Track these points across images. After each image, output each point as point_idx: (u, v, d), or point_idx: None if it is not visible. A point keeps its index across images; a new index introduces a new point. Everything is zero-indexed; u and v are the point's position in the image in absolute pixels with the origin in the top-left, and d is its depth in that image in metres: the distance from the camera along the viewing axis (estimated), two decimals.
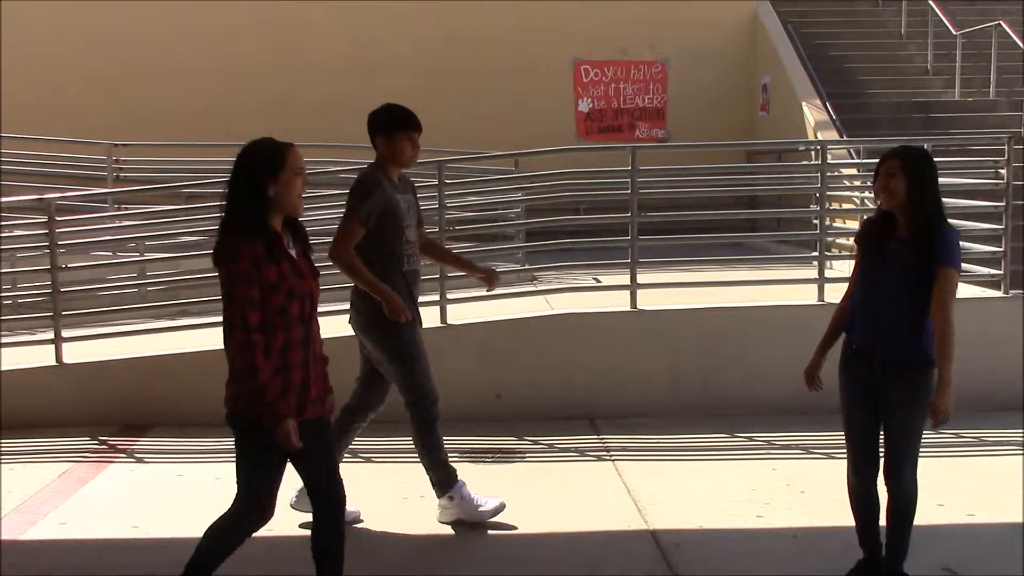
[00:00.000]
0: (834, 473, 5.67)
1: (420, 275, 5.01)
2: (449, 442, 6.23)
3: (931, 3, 13.81)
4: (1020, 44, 12.36)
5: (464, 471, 5.75)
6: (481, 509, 4.92)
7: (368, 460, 6.12)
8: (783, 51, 13.64)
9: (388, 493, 5.46)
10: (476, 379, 6.80)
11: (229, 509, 3.66)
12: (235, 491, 3.61)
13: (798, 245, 9.53)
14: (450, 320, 6.97)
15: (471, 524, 4.89)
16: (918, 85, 13.83)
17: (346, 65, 13.51)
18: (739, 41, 14.38)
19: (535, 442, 6.30)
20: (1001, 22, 12.88)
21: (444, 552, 4.72)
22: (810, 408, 6.78)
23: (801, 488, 5.42)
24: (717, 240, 8.19)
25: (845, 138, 11.64)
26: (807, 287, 7.22)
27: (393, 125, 4.83)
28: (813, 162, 8.12)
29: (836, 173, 9.45)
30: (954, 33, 13.26)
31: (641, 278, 7.04)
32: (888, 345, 3.89)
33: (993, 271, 7.26)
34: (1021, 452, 6.03)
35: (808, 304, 7.05)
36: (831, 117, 12.27)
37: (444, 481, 4.94)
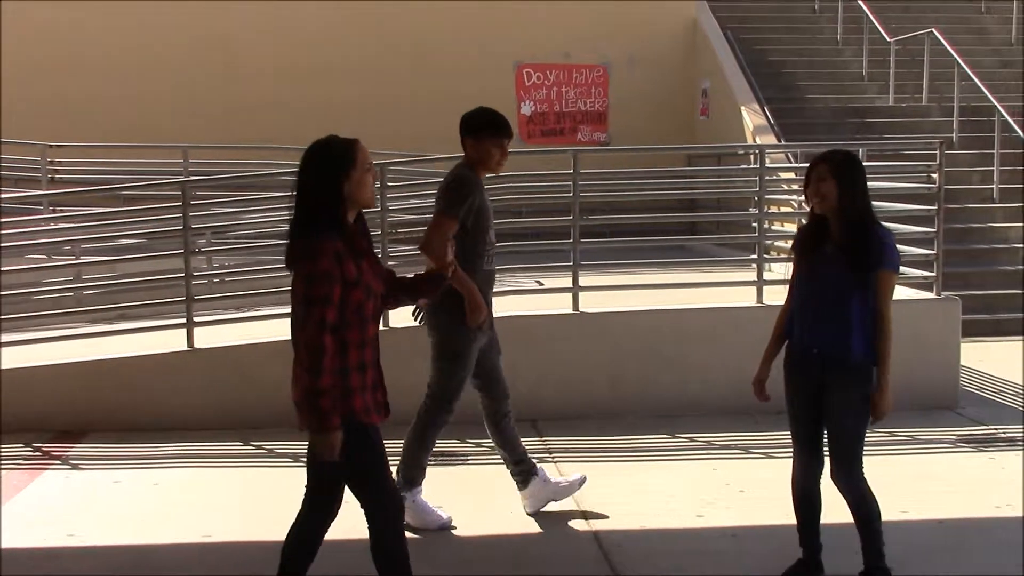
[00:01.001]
0: (773, 472, 5.78)
1: (495, 276, 5.05)
2: (392, 445, 6.23)
3: (866, 11, 14.08)
4: (951, 51, 12.64)
5: None
6: (428, 519, 4.92)
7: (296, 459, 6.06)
8: (722, 56, 13.82)
9: None
10: (418, 382, 6.75)
11: (301, 510, 3.63)
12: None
13: (737, 248, 9.66)
14: (393, 323, 6.94)
15: (414, 528, 4.89)
16: (854, 90, 14.10)
17: (285, 67, 13.43)
18: (679, 46, 14.54)
19: (478, 444, 6.29)
20: (933, 30, 13.17)
21: None
22: (750, 409, 6.89)
23: (740, 488, 5.49)
24: (658, 243, 8.26)
25: (783, 142, 11.82)
26: (746, 289, 7.31)
27: (482, 129, 4.86)
28: (752, 166, 8.24)
29: (774, 177, 9.58)
30: (888, 40, 13.54)
31: (583, 281, 7.08)
32: (827, 347, 3.96)
33: (926, 273, 7.42)
34: (952, 450, 6.18)
35: (747, 306, 7.15)
36: (769, 121, 12.45)
37: (411, 480, 4.95)
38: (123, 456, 6.16)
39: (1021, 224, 11.12)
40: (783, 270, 9.17)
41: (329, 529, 3.69)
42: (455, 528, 4.95)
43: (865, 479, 4.03)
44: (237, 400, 6.71)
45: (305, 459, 3.59)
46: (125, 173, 11.65)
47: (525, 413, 6.75)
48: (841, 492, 4.05)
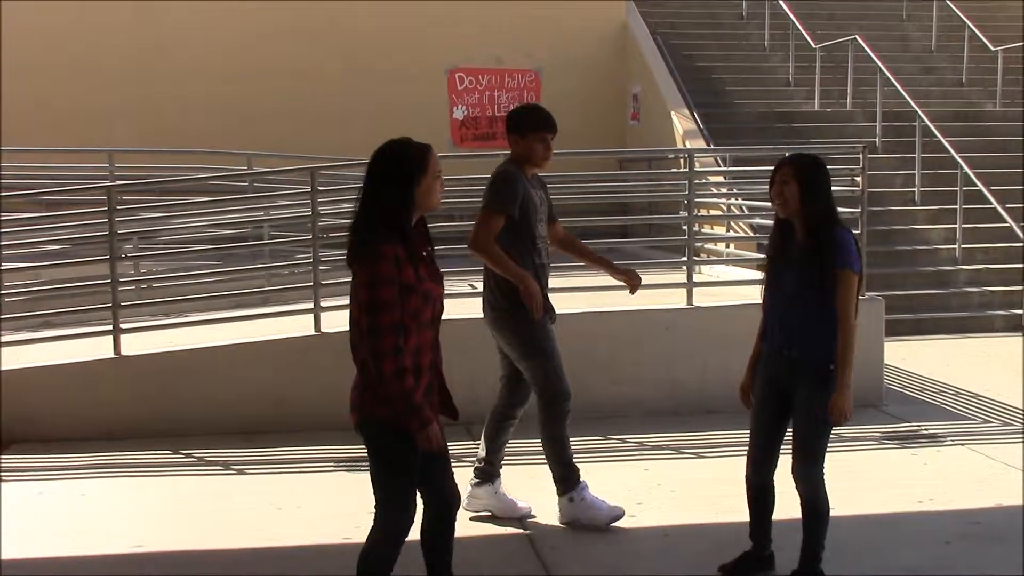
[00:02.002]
0: (703, 472, 5.87)
1: (549, 270, 5.02)
2: (325, 451, 6.21)
3: (792, 18, 14.35)
4: (874, 58, 12.94)
5: (341, 480, 5.75)
6: (595, 514, 4.89)
7: (241, 472, 6.01)
8: (652, 61, 13.98)
9: (262, 503, 5.38)
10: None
11: (375, 524, 3.56)
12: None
13: (668, 250, 9.77)
14: (324, 328, 6.90)
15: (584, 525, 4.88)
16: (780, 96, 14.35)
17: (216, 70, 13.26)
18: (610, 51, 14.67)
19: None
20: (857, 37, 13.47)
21: (315, 561, 4.67)
22: (680, 409, 7.00)
23: (672, 488, 5.55)
24: (590, 246, 8.29)
25: (712, 146, 12.00)
26: (677, 291, 7.40)
27: (526, 126, 4.85)
28: (682, 170, 8.34)
29: (703, 180, 9.72)
30: (813, 47, 13.81)
31: None
32: (792, 346, 4.04)
33: None
34: (877, 447, 6.32)
35: (678, 308, 7.24)
36: (699, 126, 12.63)
37: (567, 479, 4.92)
38: (48, 467, 6.02)
39: (942, 226, 11.42)
40: (712, 272, 9.32)
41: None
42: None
43: (823, 481, 4.11)
44: (166, 408, 6.61)
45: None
46: (48, 177, 11.39)
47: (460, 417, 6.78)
48: (798, 489, 4.11)
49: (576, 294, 7.45)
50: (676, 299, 7.34)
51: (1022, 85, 14.73)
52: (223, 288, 7.79)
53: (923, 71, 15.26)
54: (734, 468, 5.93)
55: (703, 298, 7.46)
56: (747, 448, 4.28)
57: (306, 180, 7.26)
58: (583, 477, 4.96)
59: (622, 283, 5.15)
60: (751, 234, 9.96)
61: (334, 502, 5.39)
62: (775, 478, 4.25)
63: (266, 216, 8.90)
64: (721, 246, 9.99)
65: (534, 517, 5.05)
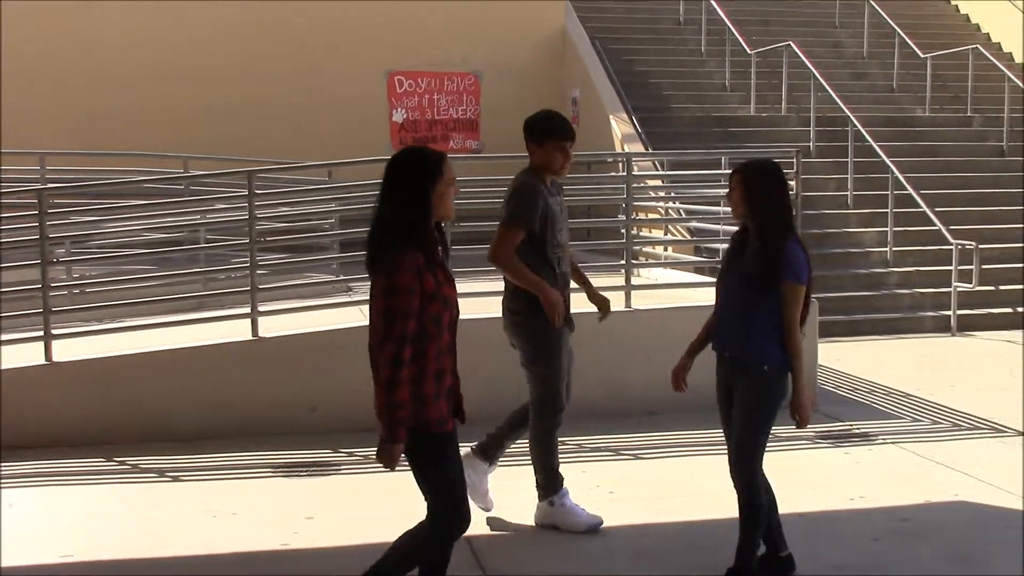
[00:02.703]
0: (643, 473, 5.93)
1: (569, 278, 5.00)
2: (263, 457, 6.16)
3: (728, 24, 14.53)
4: (808, 64, 13.16)
5: (278, 486, 5.71)
6: (574, 520, 4.91)
7: (176, 479, 5.94)
8: (591, 66, 14.07)
9: (197, 511, 5.32)
10: (290, 393, 6.71)
11: (428, 524, 3.59)
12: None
13: (607, 254, 9.83)
14: (262, 333, 6.84)
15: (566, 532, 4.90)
16: (717, 100, 14.53)
17: (152, 71, 13.07)
18: (549, 55, 14.74)
19: (351, 454, 6.27)
20: (791, 43, 13.69)
21: (250, 568, 4.63)
22: (620, 411, 7.05)
23: (610, 489, 5.59)
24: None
25: (650, 150, 12.11)
26: (615, 294, 7.44)
27: (545, 134, 4.82)
28: (620, 173, 8.41)
29: (642, 184, 9.82)
30: (749, 52, 14.00)
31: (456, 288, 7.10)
32: (733, 350, 4.13)
33: None
34: (811, 446, 6.43)
35: (617, 311, 7.23)
36: (637, 130, 12.74)
37: (550, 486, 4.94)
38: None
39: (874, 229, 11.65)
40: (651, 275, 9.40)
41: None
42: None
43: (759, 482, 4.18)
44: (99, 415, 6.50)
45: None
46: None
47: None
48: (735, 487, 4.19)
49: None
50: (615, 302, 7.37)
51: (950, 92, 15.11)
52: (158, 293, 7.68)
53: (855, 77, 15.56)
54: (674, 469, 6.03)
55: (641, 301, 7.53)
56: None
57: (243, 183, 7.18)
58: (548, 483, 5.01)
59: (594, 307, 5.13)
60: (688, 237, 10.08)
61: (271, 508, 5.35)
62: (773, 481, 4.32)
63: (202, 220, 8.80)
64: (659, 249, 10.09)
65: (489, 512, 5.08)
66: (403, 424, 3.40)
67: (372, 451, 6.34)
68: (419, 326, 3.40)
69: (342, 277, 8.72)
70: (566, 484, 5.01)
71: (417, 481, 3.60)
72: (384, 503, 5.43)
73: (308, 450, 6.29)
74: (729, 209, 4.38)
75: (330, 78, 13.67)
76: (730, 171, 4.23)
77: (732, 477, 4.19)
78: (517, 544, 4.84)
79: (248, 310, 6.85)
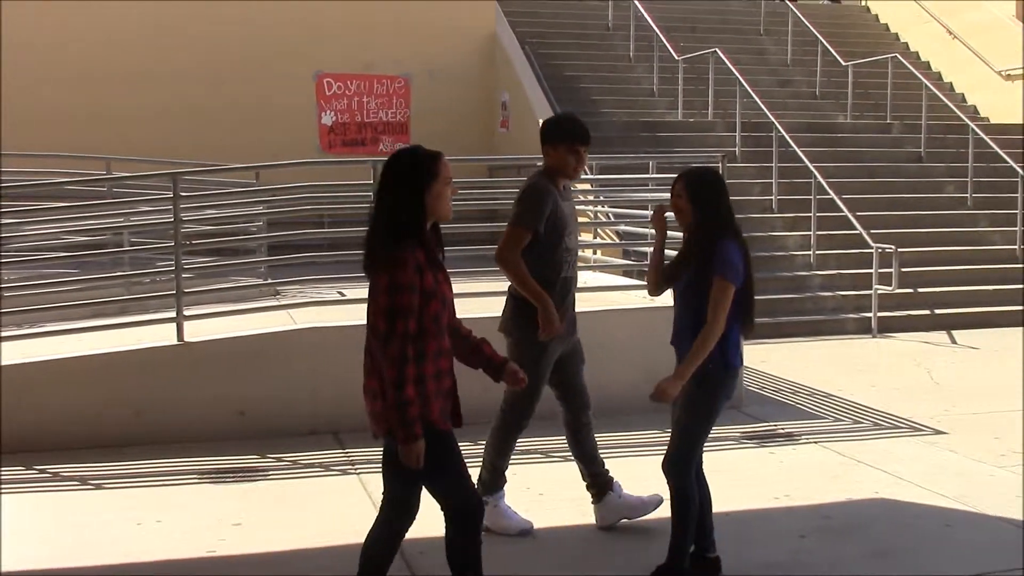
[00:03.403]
0: (572, 475, 5.95)
1: (575, 282, 4.96)
2: (189, 463, 6.06)
3: (656, 30, 14.70)
4: (733, 70, 13.38)
5: (205, 492, 5.63)
6: (506, 523, 4.92)
7: (99, 487, 5.81)
8: (521, 70, 14.13)
9: (121, 519, 5.22)
10: (217, 397, 6.62)
11: (448, 523, 3.63)
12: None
13: None
14: (188, 337, 6.74)
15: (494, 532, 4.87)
16: (645, 105, 14.69)
17: (75, 73, 12.81)
18: (479, 59, 14.77)
19: (279, 459, 6.21)
20: (717, 50, 13.90)
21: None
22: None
23: (540, 491, 5.61)
24: (460, 252, 8.34)
25: None
26: None
27: (559, 137, 4.79)
28: None
29: (572, 188, 9.86)
30: (676, 58, 14.19)
31: None
32: (683, 349, 4.20)
33: None
34: (736, 446, 6.53)
35: None
36: None
37: (491, 484, 4.96)
38: None
39: (798, 233, 11.88)
40: (581, 279, 9.45)
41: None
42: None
43: (691, 480, 4.24)
44: (19, 422, 6.33)
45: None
46: None
47: (326, 425, 6.73)
48: (667, 483, 4.25)
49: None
50: None
51: (871, 99, 15.48)
52: (81, 297, 7.52)
53: (780, 83, 15.86)
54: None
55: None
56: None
57: (168, 185, 7.07)
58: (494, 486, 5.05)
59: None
60: (617, 240, 10.17)
61: (197, 515, 5.27)
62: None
63: (126, 223, 8.64)
64: (588, 252, 10.15)
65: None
66: (416, 421, 3.38)
67: (301, 455, 6.34)
68: (419, 325, 3.40)
69: (270, 281, 8.64)
70: (508, 486, 5.03)
71: (387, 474, 3.57)
72: (312, 508, 5.39)
73: (235, 455, 6.21)
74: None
75: (258, 80, 13.53)
76: (674, 177, 4.27)
77: (664, 473, 4.25)
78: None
79: (173, 314, 6.74)
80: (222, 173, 9.79)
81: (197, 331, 6.82)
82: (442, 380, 3.54)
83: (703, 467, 4.42)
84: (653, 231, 4.32)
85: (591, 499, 5.09)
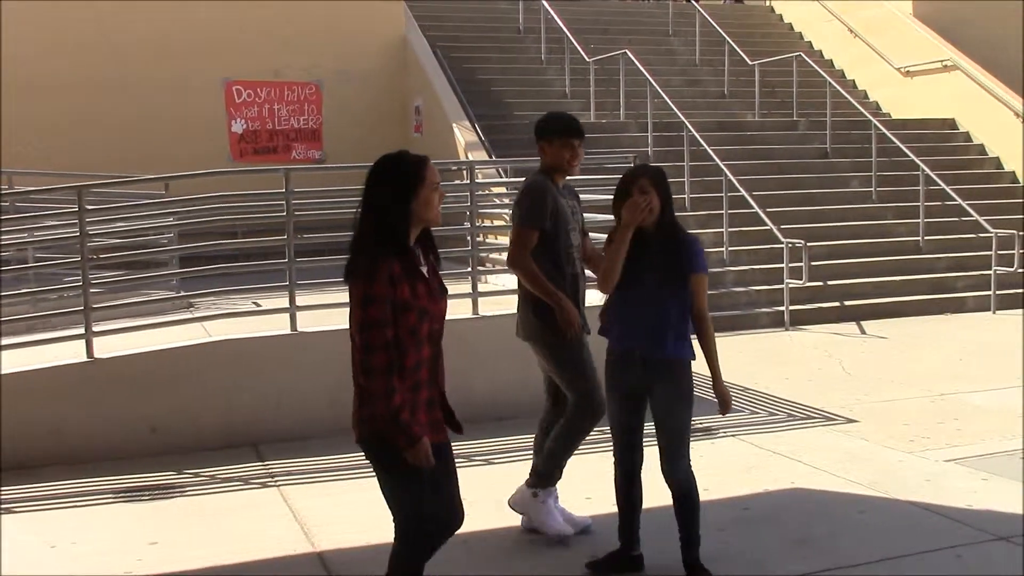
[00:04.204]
0: (492, 478, 5.96)
1: (583, 279, 4.87)
2: (103, 482, 5.92)
3: (566, 32, 14.81)
4: (644, 71, 13.54)
5: (120, 511, 5.50)
6: (548, 524, 4.87)
7: (9, 511, 5.63)
8: (433, 74, 14.11)
9: (34, 542, 5.07)
10: (129, 414, 6.48)
11: (397, 540, 3.52)
12: None
13: (453, 261, 9.87)
14: (98, 354, 6.58)
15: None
16: (558, 107, 14.74)
17: None
18: (391, 64, 14.71)
19: (196, 474, 6.09)
20: (627, 51, 14.06)
21: None
22: (471, 418, 7.05)
23: (464, 495, 5.59)
24: None
25: (493, 158, 12.23)
26: (462, 301, 7.49)
27: (551, 132, 4.75)
28: (464, 182, 8.45)
29: (486, 192, 9.89)
30: (587, 60, 14.31)
31: (300, 300, 7.01)
32: (646, 348, 4.19)
33: None
34: (654, 443, 6.58)
35: (464, 318, 7.32)
36: (480, 138, 12.84)
37: (546, 478, 4.90)
38: None
39: (711, 230, 12.06)
40: (498, 281, 9.49)
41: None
42: (173, 560, 4.76)
43: (692, 471, 4.33)
44: None
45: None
46: None
47: (245, 438, 6.63)
48: (673, 484, 4.30)
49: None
50: (463, 309, 7.42)
51: (777, 97, 15.81)
52: None
53: (689, 83, 16.11)
54: (524, 473, 6.07)
55: (489, 307, 7.59)
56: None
57: (73, 199, 6.89)
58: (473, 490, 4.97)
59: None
60: None
61: (113, 536, 5.14)
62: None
63: (30, 238, 8.39)
64: (504, 255, 10.17)
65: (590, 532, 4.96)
66: (411, 424, 3.34)
67: (218, 470, 6.23)
68: (395, 336, 3.33)
69: (182, 293, 8.48)
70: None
71: (383, 490, 3.52)
72: (231, 523, 5.30)
73: (150, 473, 6.08)
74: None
75: (165, 88, 13.29)
76: (625, 179, 4.22)
77: (667, 474, 4.29)
78: (373, 557, 4.78)
79: (82, 331, 6.58)
80: (129, 185, 9.59)
81: (108, 347, 6.66)
82: (418, 392, 3.45)
83: (641, 467, 4.45)
84: (622, 223, 4.15)
85: (526, 480, 5.03)
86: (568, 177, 4.94)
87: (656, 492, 5.30)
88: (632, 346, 4.25)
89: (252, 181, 9.89)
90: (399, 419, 3.33)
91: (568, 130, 4.81)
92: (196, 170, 8.50)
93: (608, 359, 4.37)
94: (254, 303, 8.09)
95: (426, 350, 3.45)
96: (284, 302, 6.99)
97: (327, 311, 7.25)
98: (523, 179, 10.26)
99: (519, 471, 6.13)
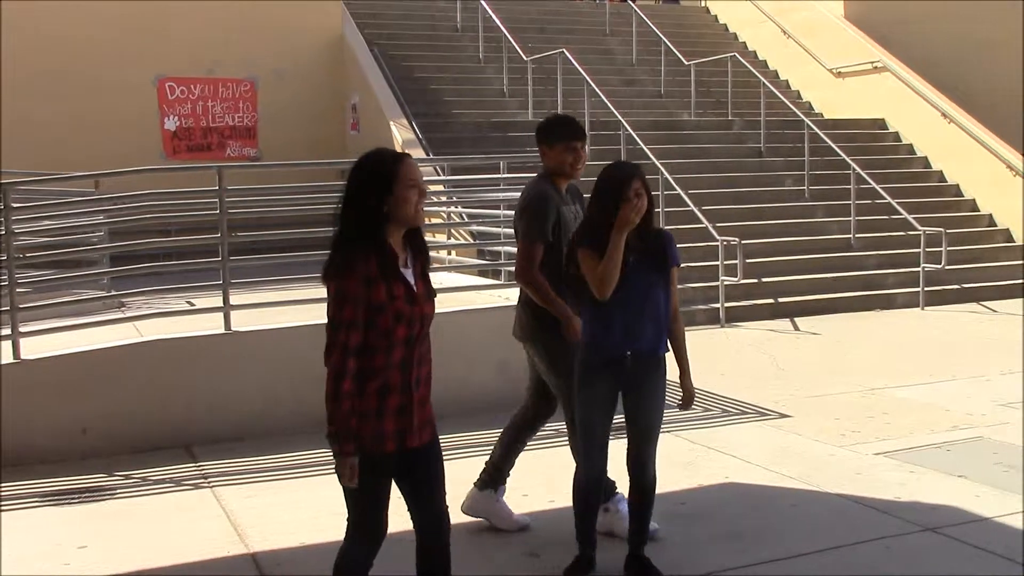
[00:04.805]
0: None
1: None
2: (30, 485, 5.79)
3: (504, 31, 14.83)
4: (581, 70, 13.60)
5: (48, 515, 5.38)
6: (514, 519, 4.92)
7: None
8: (370, 72, 14.04)
9: None
10: (58, 416, 6.35)
11: (344, 540, 3.48)
12: None
13: None
14: (25, 355, 6.43)
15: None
16: (496, 106, 14.80)
17: None
18: (327, 61, 14.60)
19: (127, 476, 5.99)
20: (564, 50, 14.11)
21: None
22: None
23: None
24: (312, 257, 8.23)
25: (431, 156, 12.20)
26: None
27: (553, 136, 4.65)
28: None
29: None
30: (525, 59, 14.34)
31: (234, 299, 6.93)
32: (643, 347, 4.15)
33: None
34: None
35: None
36: (418, 135, 12.80)
37: (500, 475, 4.95)
38: None
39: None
40: (436, 279, 9.45)
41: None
42: (100, 563, 4.68)
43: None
44: None
45: None
46: None
47: (178, 439, 6.54)
48: (637, 479, 4.33)
49: (301, 307, 7.36)
50: None
51: (713, 96, 15.98)
52: None
53: (626, 83, 16.22)
54: (458, 469, 6.07)
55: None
56: (587, 447, 4.33)
57: None
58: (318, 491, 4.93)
59: None
60: (471, 241, 10.21)
61: (40, 540, 5.03)
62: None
63: None
64: (443, 253, 10.16)
65: (528, 530, 4.96)
66: (347, 437, 3.26)
67: (150, 472, 6.13)
68: (365, 339, 3.27)
69: (113, 292, 8.33)
70: (339, 494, 4.97)
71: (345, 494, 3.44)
72: (163, 525, 5.22)
73: (79, 475, 5.97)
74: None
75: (97, 85, 13.05)
76: (617, 181, 4.12)
77: (640, 471, 4.29)
78: (306, 557, 4.76)
79: (8, 331, 6.43)
80: (59, 182, 9.39)
81: (36, 348, 6.52)
82: (387, 397, 3.34)
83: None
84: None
85: (474, 482, 5.02)
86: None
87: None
88: (627, 347, 4.16)
89: (186, 179, 9.76)
90: (340, 426, 3.26)
91: (570, 133, 4.67)
92: (128, 168, 8.34)
93: (593, 361, 4.22)
94: (187, 302, 7.97)
95: (399, 353, 3.34)
96: (218, 301, 6.90)
97: (262, 310, 7.18)
98: (464, 177, 10.31)
99: (453, 468, 6.14)
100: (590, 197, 4.25)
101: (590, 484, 4.38)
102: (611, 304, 4.13)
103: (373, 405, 3.32)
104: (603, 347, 4.19)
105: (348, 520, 3.49)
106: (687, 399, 4.38)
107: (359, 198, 3.31)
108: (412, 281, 3.38)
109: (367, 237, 3.30)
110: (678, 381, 4.36)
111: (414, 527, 3.56)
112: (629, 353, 4.17)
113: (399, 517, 3.60)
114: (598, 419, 4.27)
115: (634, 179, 4.10)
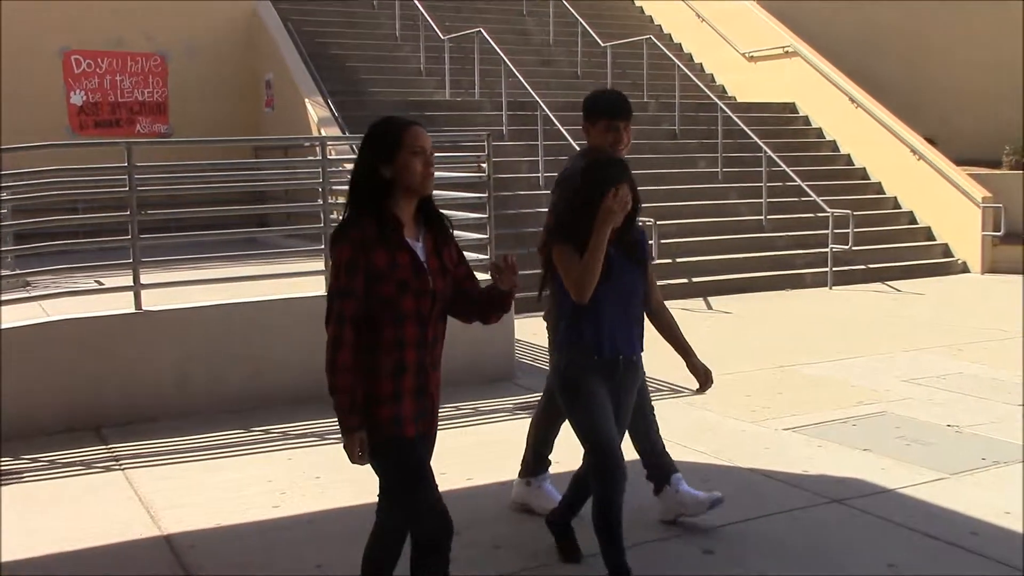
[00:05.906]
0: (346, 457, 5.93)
1: None
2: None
3: (421, 9, 14.74)
4: (498, 50, 13.59)
5: None
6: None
7: None
8: (284, 48, 13.84)
9: None
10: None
11: (412, 550, 3.33)
12: None
13: (307, 239, 9.73)
14: None
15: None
16: (413, 85, 14.71)
17: None
18: (239, 37, 14.36)
19: (34, 460, 5.85)
20: (481, 30, 14.08)
21: None
22: (326, 395, 7.00)
23: (316, 474, 5.56)
24: (226, 236, 8.12)
25: (347, 134, 12.08)
26: (316, 279, 7.40)
27: (592, 114, 4.52)
28: (316, 158, 8.33)
29: (339, 168, 9.76)
30: (442, 38, 14.27)
31: (145, 278, 6.80)
32: (631, 348, 4.05)
33: (480, 256, 7.95)
34: (510, 418, 6.69)
35: (317, 295, 7.23)
36: (333, 114, 12.67)
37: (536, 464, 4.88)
38: None
39: None
40: None
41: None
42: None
43: None
44: None
45: None
46: None
47: (88, 421, 6.41)
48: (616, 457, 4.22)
49: (215, 286, 7.26)
50: (315, 287, 7.34)
51: (629, 78, 16.11)
52: None
53: (543, 63, 16.25)
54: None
55: None
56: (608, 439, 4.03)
57: None
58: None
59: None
60: None
61: None
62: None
63: None
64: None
65: None
66: (352, 412, 3.14)
67: (58, 455, 6.01)
68: (367, 309, 3.16)
69: (17, 271, 8.10)
70: (283, 471, 4.94)
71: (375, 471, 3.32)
72: (73, 509, 5.12)
73: None
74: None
75: None
76: (609, 173, 3.92)
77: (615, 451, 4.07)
78: (221, 538, 4.71)
79: None
80: None
81: None
82: (403, 377, 3.21)
83: None
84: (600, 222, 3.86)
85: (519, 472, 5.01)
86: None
87: (498, 468, 5.37)
88: (618, 350, 4.02)
89: (94, 155, 9.49)
90: (339, 400, 3.16)
91: (612, 111, 4.48)
92: (32, 143, 8.10)
93: (588, 365, 3.98)
94: (97, 281, 7.79)
95: (411, 328, 3.21)
96: (128, 280, 6.76)
97: (173, 289, 7.06)
98: None
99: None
100: (568, 188, 4.04)
101: (618, 495, 4.02)
102: (598, 301, 3.92)
103: (390, 387, 3.20)
104: (600, 348, 3.98)
105: (380, 510, 3.44)
106: (704, 379, 4.26)
107: (362, 163, 3.28)
108: (423, 255, 3.27)
109: (367, 201, 3.24)
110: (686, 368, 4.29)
111: (412, 529, 3.37)
112: (621, 357, 4.03)
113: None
114: (606, 423, 4.01)
115: (624, 182, 3.86)
